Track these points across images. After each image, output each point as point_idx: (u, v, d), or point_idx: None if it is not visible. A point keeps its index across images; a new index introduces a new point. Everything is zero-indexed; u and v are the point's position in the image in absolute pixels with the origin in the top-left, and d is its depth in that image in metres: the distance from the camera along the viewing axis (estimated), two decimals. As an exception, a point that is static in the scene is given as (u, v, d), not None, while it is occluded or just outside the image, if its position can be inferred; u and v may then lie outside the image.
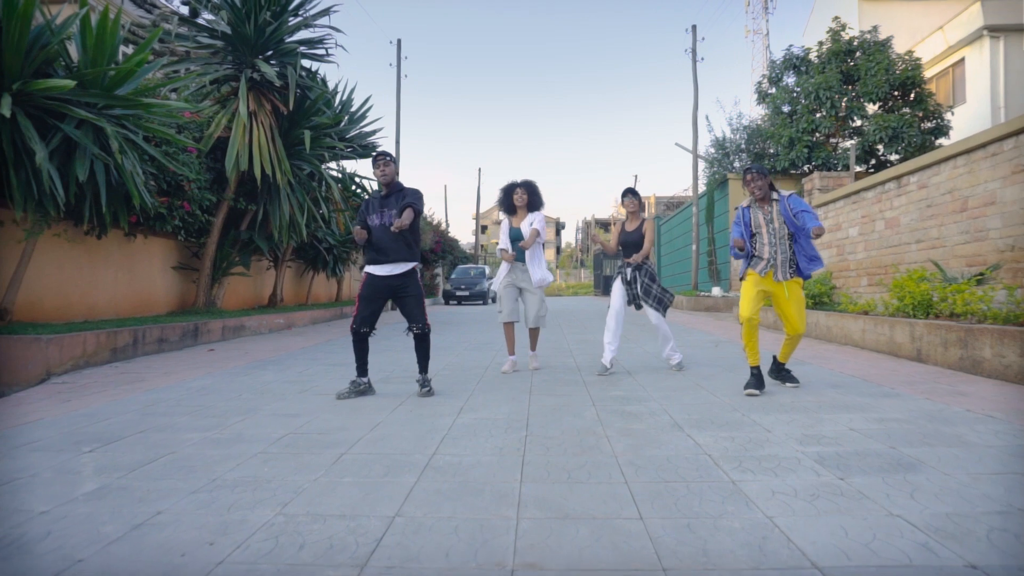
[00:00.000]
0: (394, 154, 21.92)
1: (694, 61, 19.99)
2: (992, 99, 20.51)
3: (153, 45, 7.56)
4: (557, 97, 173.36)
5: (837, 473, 2.82)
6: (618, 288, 6.07)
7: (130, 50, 11.18)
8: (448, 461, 3.12)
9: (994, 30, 20.47)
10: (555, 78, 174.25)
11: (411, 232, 4.89)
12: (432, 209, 54.05)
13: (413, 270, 4.92)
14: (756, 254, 4.78)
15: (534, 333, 6.35)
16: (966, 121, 19.95)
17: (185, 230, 9.46)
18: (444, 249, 30.05)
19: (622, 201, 6.10)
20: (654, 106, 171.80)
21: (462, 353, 7.87)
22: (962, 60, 22.10)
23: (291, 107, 10.07)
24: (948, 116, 18.29)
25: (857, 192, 10.88)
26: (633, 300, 6.01)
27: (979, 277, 6.64)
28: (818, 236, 4.46)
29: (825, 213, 12.22)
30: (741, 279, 4.90)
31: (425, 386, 4.90)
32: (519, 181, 6.23)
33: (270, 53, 10.28)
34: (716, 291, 17.71)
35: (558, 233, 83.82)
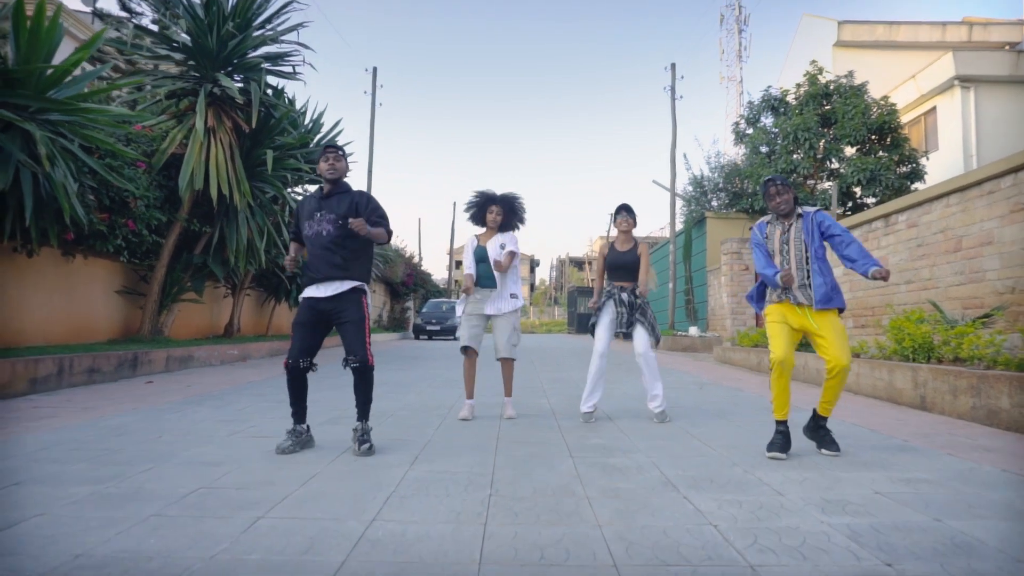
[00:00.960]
0: (367, 186, 21.38)
1: (672, 99, 19.90)
2: (964, 147, 20.70)
3: (115, 60, 6.93)
4: (533, 134, 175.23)
5: (881, 556, 2.23)
6: (605, 322, 5.41)
7: (93, 67, 10.53)
8: (390, 531, 2.47)
9: (965, 80, 20.77)
10: (531, 116, 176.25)
11: (353, 245, 4.09)
12: (404, 241, 53.22)
13: (353, 291, 4.09)
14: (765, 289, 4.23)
15: (507, 369, 5.58)
16: (938, 168, 20.03)
17: (129, 251, 8.72)
18: (416, 282, 29.36)
19: (615, 219, 5.50)
20: (632, 145, 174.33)
21: (424, 391, 7.21)
22: (934, 109, 22.38)
23: (253, 125, 9.46)
24: (924, 161, 18.32)
25: (842, 231, 10.53)
26: (623, 325, 5.29)
27: (983, 319, 6.20)
28: (880, 278, 3.91)
29: (807, 252, 11.89)
30: (760, 312, 4.30)
31: (364, 441, 3.92)
32: (497, 196, 5.52)
33: (233, 68, 9.72)
34: (693, 331, 17.27)
35: (532, 270, 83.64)
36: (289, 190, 12.00)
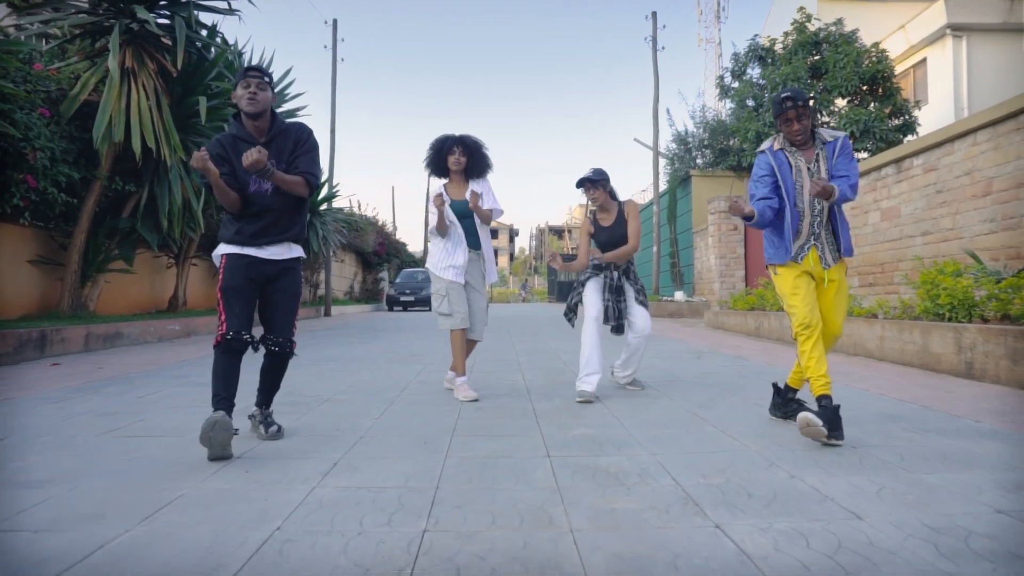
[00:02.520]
0: (330, 150, 19.98)
1: (654, 49, 18.71)
2: (956, 100, 19.87)
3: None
4: (507, 96, 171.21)
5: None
6: (593, 288, 4.48)
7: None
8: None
9: (957, 29, 19.87)
10: (504, 75, 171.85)
11: (299, 204, 3.20)
12: (376, 210, 51.58)
13: (296, 260, 3.24)
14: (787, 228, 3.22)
15: (471, 348, 4.71)
16: (928, 123, 19.17)
17: (33, 213, 7.51)
18: (389, 251, 28.14)
19: (587, 194, 4.51)
20: (611, 103, 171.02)
21: (380, 367, 6.16)
22: (924, 60, 21.47)
23: (179, 66, 8.20)
24: (916, 112, 17.44)
25: (845, 181, 9.57)
26: (615, 317, 4.43)
27: (1032, 270, 5.28)
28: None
29: (805, 207, 10.93)
30: (772, 267, 3.31)
31: (271, 423, 3.24)
32: (456, 136, 4.49)
33: (155, 1, 8.41)
34: (679, 295, 16.37)
35: (512, 240, 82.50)
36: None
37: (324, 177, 16.47)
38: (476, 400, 4.21)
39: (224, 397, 2.87)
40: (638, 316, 4.44)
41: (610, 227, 4.48)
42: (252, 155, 2.79)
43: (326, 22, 19.63)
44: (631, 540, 1.88)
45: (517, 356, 7.13)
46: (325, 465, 2.70)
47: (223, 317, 2.96)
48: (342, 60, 19.78)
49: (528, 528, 1.99)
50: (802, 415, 2.86)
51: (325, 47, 19.66)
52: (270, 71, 3.10)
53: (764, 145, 3.33)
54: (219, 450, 2.72)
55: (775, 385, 3.56)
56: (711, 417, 3.63)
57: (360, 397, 4.45)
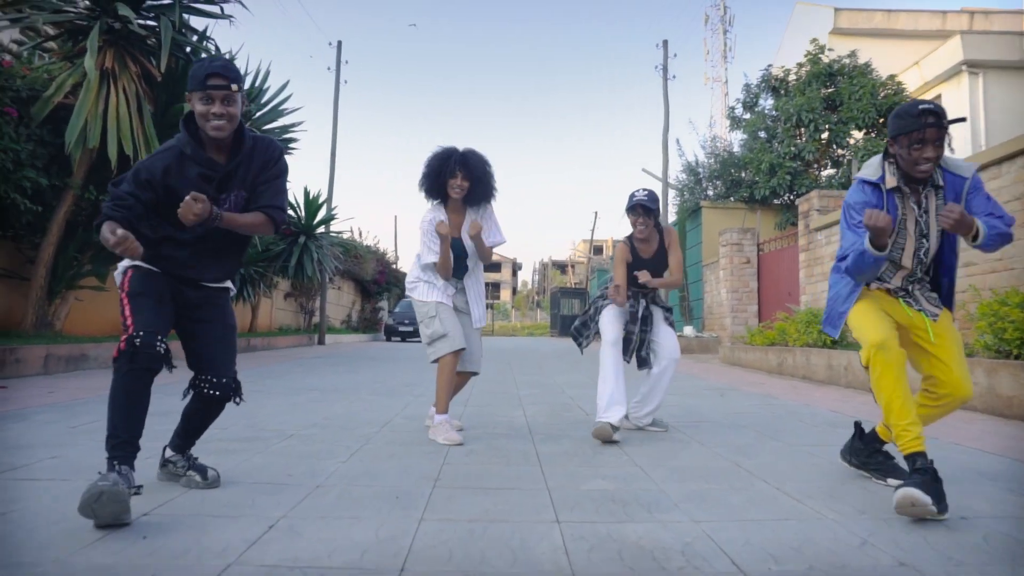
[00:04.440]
0: (329, 175, 19.36)
1: (665, 78, 18.31)
2: (973, 136, 19.42)
3: None
4: (511, 126, 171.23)
5: None
6: (613, 316, 3.80)
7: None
8: None
9: (973, 65, 19.52)
10: (509, 105, 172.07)
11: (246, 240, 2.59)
12: (378, 238, 51.18)
13: (225, 290, 2.59)
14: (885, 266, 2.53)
15: (463, 383, 4.00)
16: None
17: (-7, 221, 6.90)
18: (389, 281, 27.50)
19: (629, 215, 3.82)
20: (619, 135, 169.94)
21: (361, 399, 5.45)
22: (939, 96, 21.10)
23: (163, 69, 7.67)
24: (935, 147, 16.93)
25: (873, 209, 8.94)
26: (644, 348, 3.82)
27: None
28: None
29: (828, 238, 10.28)
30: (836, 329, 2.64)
31: (203, 468, 2.51)
32: (459, 154, 3.68)
33: (143, 1, 7.92)
34: (689, 330, 15.66)
35: (514, 274, 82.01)
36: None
37: (323, 198, 15.93)
38: (460, 444, 3.44)
39: (125, 440, 2.13)
40: (666, 338, 3.80)
41: (650, 259, 3.86)
42: (190, 208, 2.14)
43: (330, 44, 19.33)
44: None
45: (518, 390, 6.42)
46: (257, 529, 2.00)
47: (129, 320, 2.23)
48: (345, 82, 19.44)
49: (531, 650, 1.29)
50: (904, 492, 2.06)
51: (328, 69, 19.34)
52: (237, 69, 2.37)
53: (869, 174, 2.51)
54: (110, 520, 1.96)
55: (858, 426, 2.80)
56: (757, 468, 2.92)
57: (330, 433, 3.75)
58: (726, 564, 1.75)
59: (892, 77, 16.97)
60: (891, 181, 2.47)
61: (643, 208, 3.73)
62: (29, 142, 7.07)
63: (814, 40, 17.86)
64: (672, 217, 19.50)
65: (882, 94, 16.27)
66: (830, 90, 16.65)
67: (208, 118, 2.26)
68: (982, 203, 2.42)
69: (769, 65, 17.52)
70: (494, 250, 3.86)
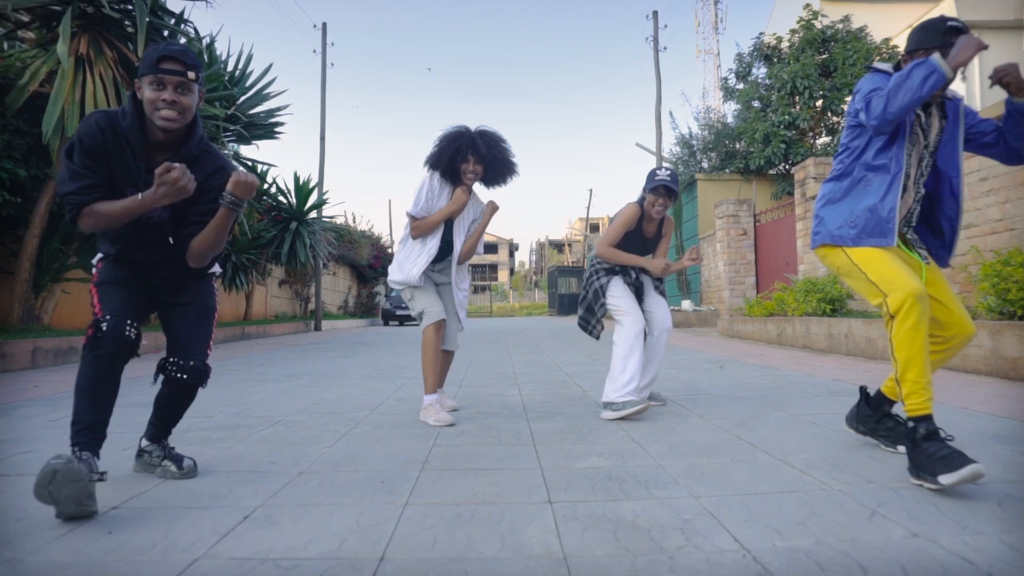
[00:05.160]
0: (320, 160, 18.97)
1: (656, 50, 18.03)
2: (968, 98, 19.22)
3: None
4: (504, 105, 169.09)
5: None
6: (627, 293, 3.65)
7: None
8: None
9: (968, 26, 19.27)
10: (501, 84, 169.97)
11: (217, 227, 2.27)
12: (371, 222, 50.60)
13: (209, 274, 2.44)
14: (879, 201, 2.30)
15: (449, 361, 3.88)
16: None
17: (-29, 214, 6.74)
18: (384, 265, 27.33)
19: (648, 191, 3.60)
20: (612, 109, 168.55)
21: (353, 384, 5.34)
22: (933, 59, 20.85)
23: (140, 54, 7.45)
24: (931, 112, 16.74)
25: (871, 174, 8.79)
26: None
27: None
28: None
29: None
30: (836, 244, 2.41)
31: (179, 458, 2.38)
32: (472, 136, 3.45)
33: (115, -18, 7.69)
34: (687, 304, 15.56)
35: (512, 254, 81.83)
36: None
37: (313, 183, 15.72)
38: (452, 425, 3.33)
39: (87, 426, 2.00)
40: (658, 307, 3.71)
41: (651, 238, 3.77)
42: (173, 176, 1.93)
43: (315, 26, 18.99)
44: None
45: (514, 369, 6.31)
46: (231, 519, 1.89)
47: (97, 308, 2.12)
48: (331, 64, 19.15)
49: (516, 643, 1.18)
50: (971, 468, 1.89)
51: (314, 51, 19.01)
52: (196, 55, 2.16)
53: (886, 67, 2.35)
54: (71, 507, 1.84)
55: (864, 390, 2.68)
56: (759, 440, 2.82)
57: (318, 419, 3.63)
58: (727, 540, 1.65)
59: (887, 41, 16.72)
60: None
61: (666, 189, 3.55)
62: (5, 133, 6.90)
63: (807, 6, 17.58)
64: (667, 191, 19.33)
65: (876, 59, 16.04)
66: (824, 56, 16.42)
67: (157, 106, 2.04)
68: (978, 116, 2.36)
69: (761, 33, 17.25)
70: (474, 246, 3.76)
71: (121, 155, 2.11)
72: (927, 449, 2.04)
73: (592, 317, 3.74)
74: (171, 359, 2.28)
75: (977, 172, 6.77)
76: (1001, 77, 2.12)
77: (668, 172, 3.60)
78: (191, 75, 2.08)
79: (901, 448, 2.41)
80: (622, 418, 3.34)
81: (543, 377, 5.51)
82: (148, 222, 2.19)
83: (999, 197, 6.45)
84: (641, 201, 3.68)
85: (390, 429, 3.29)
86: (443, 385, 3.87)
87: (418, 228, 3.50)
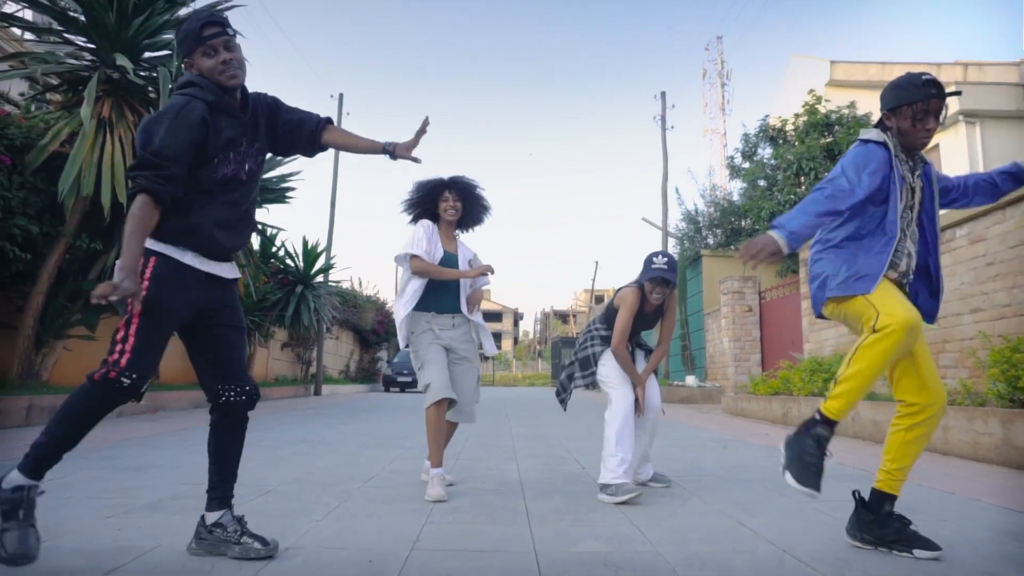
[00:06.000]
0: (329, 230, 19.28)
1: (663, 128, 18.50)
2: (971, 161, 19.56)
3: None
4: (511, 178, 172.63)
5: None
6: (620, 372, 3.57)
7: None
8: None
9: (971, 115, 19.75)
10: (513, 157, 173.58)
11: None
12: (376, 287, 50.93)
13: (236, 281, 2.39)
14: (881, 251, 2.32)
15: (452, 432, 3.77)
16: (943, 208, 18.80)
17: (-20, 269, 6.80)
18: (388, 331, 27.32)
19: (645, 280, 3.58)
20: (618, 184, 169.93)
21: (349, 452, 5.23)
22: (937, 146, 21.30)
23: (160, 118, 7.68)
24: (934, 196, 16.97)
25: (875, 255, 8.83)
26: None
27: None
28: None
29: (829, 285, 10.14)
30: (835, 298, 2.37)
31: (260, 537, 2.22)
32: (446, 179, 3.63)
33: (140, 52, 8.00)
34: (691, 380, 15.40)
35: (516, 323, 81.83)
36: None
37: (321, 247, 15.89)
38: (443, 501, 3.21)
39: (54, 457, 1.98)
40: (649, 388, 3.65)
41: (651, 313, 3.71)
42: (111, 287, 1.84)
43: (332, 96, 19.69)
44: None
45: (513, 442, 6.19)
46: (207, 599, 1.80)
47: (129, 348, 1.96)
48: (348, 135, 19.54)
49: None
50: (811, 492, 2.09)
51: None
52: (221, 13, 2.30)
53: (872, 136, 2.39)
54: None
55: (857, 495, 2.46)
56: (761, 527, 2.72)
57: (310, 489, 3.53)
58: (728, 643, 1.55)
59: (890, 128, 17.12)
60: (883, 140, 2.38)
61: (664, 281, 3.54)
62: (22, 190, 7.03)
63: (811, 91, 18.09)
64: (673, 266, 19.45)
65: (879, 144, 16.38)
66: (828, 140, 16.78)
67: (219, 69, 2.12)
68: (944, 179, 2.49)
69: (766, 115, 17.70)
70: (482, 294, 3.76)
71: (217, 125, 2.14)
72: (805, 446, 2.19)
73: (570, 384, 3.72)
74: (229, 387, 2.23)
75: (983, 257, 6.79)
76: None
77: (665, 260, 3.55)
78: (231, 31, 2.16)
79: (920, 553, 2.26)
80: (619, 501, 3.23)
81: (542, 452, 5.39)
82: (239, 183, 2.22)
83: (1007, 282, 6.43)
84: (640, 284, 3.64)
85: (382, 503, 3.19)
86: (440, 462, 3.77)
87: (420, 266, 3.50)
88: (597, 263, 75.43)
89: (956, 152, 20.19)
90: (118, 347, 1.98)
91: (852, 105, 17.43)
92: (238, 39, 2.22)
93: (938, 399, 2.31)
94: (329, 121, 2.48)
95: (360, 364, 26.53)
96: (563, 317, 69.30)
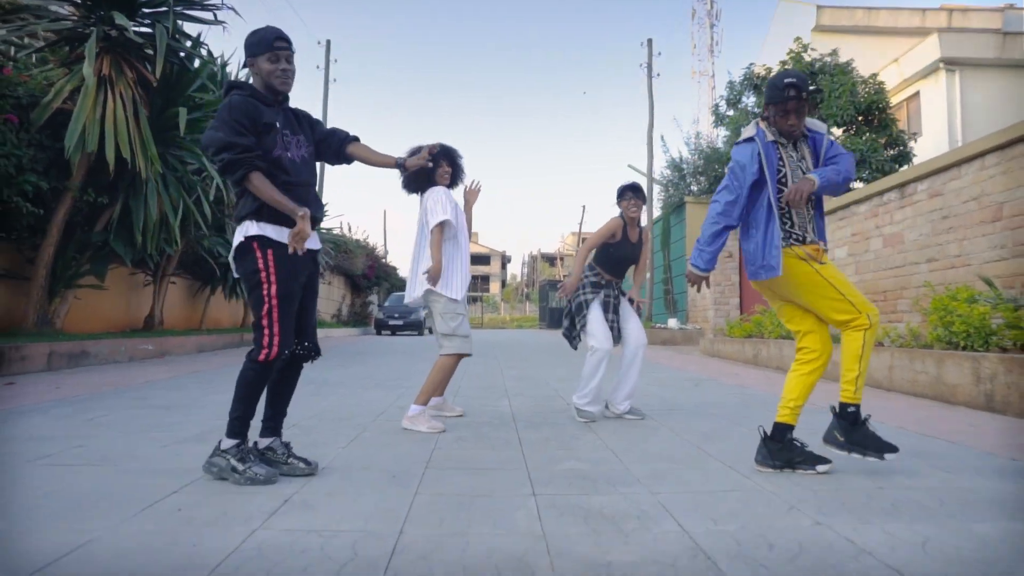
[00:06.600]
0: (321, 176, 19.51)
1: (649, 76, 18.63)
2: (949, 133, 19.89)
3: None
4: (499, 122, 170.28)
5: None
6: (601, 316, 4.22)
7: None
8: None
9: (950, 63, 19.98)
10: (497, 102, 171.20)
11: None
12: (366, 232, 51.11)
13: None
14: (782, 222, 2.89)
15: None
16: (921, 154, 19.17)
17: (-2, 223, 7.13)
18: (379, 275, 27.75)
19: (619, 201, 4.36)
20: (604, 130, 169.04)
21: (354, 392, 5.77)
22: (917, 94, 21.57)
23: (158, 75, 7.90)
24: (912, 143, 17.39)
25: (845, 207, 9.33)
26: (614, 334, 4.23)
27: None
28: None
29: (802, 233, 10.66)
30: (765, 266, 2.89)
31: (303, 459, 2.78)
32: (440, 149, 4.02)
33: (136, 8, 8.14)
34: (673, 323, 16.05)
35: (504, 267, 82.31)
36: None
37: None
38: (443, 431, 3.77)
39: (245, 420, 2.63)
40: (633, 324, 4.29)
41: (635, 245, 4.36)
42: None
43: (319, 43, 19.55)
44: (633, 606, 1.51)
45: (504, 382, 6.75)
46: (274, 502, 2.32)
47: (276, 332, 2.58)
48: (334, 80, 19.67)
49: (506, 587, 1.62)
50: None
51: (317, 67, 19.54)
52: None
53: (751, 132, 2.93)
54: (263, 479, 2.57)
55: (762, 431, 2.99)
56: (717, 451, 3.27)
57: (329, 424, 4.06)
58: (672, 525, 2.09)
59: (873, 76, 17.36)
60: (770, 136, 2.90)
61: (632, 190, 4.28)
62: (30, 147, 7.30)
63: (797, 39, 18.21)
64: (657, 212, 19.87)
65: (862, 92, 16.65)
66: (811, 88, 17.03)
67: (276, 74, 2.62)
68: (832, 148, 2.95)
69: (751, 64, 17.87)
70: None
71: (271, 117, 2.64)
72: (865, 432, 2.73)
73: (574, 329, 4.31)
74: (300, 342, 2.80)
75: (940, 211, 7.29)
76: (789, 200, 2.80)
77: (633, 182, 4.34)
78: (293, 48, 2.71)
79: (821, 468, 2.78)
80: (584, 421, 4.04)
81: (531, 391, 5.95)
82: (306, 164, 2.74)
83: (958, 235, 6.96)
84: (621, 215, 4.31)
85: (395, 435, 3.72)
86: (443, 393, 4.31)
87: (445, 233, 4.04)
88: (584, 207, 75.54)
89: (936, 99, 20.50)
90: (266, 336, 2.57)
91: (834, 52, 17.60)
92: None
93: (870, 313, 2.78)
94: (356, 138, 2.96)
95: (352, 308, 27.04)
96: (551, 260, 69.77)
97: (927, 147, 19.56)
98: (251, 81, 2.72)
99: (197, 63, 9.06)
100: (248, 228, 2.59)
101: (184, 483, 2.56)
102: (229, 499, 2.35)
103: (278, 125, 2.65)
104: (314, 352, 2.87)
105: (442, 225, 3.98)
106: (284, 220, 2.60)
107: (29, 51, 8.22)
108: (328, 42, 19.38)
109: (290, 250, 2.53)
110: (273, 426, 2.82)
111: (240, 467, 2.54)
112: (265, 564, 1.75)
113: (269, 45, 2.60)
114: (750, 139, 2.91)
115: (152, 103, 8.58)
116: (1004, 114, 18.82)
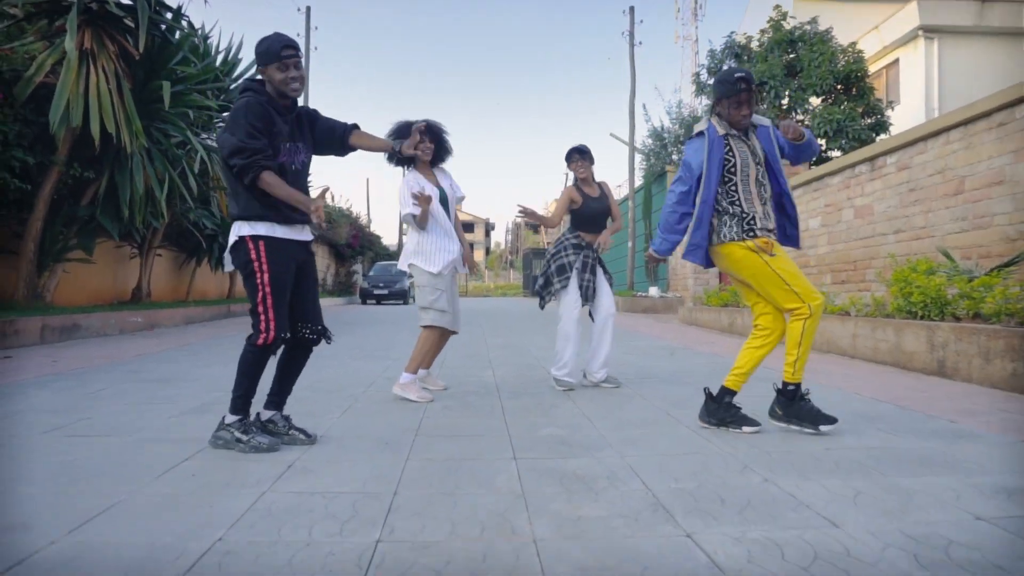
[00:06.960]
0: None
1: (631, 44, 18.65)
2: (927, 100, 20.12)
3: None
4: (482, 90, 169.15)
5: None
6: (575, 285, 4.44)
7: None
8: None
9: (929, 31, 20.10)
10: (480, 69, 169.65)
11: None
12: (350, 200, 50.84)
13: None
14: (734, 212, 3.13)
15: (445, 341, 4.57)
16: (900, 122, 19.42)
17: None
18: (363, 244, 27.80)
19: (568, 164, 4.66)
20: (587, 99, 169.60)
21: (343, 363, 6.00)
22: (896, 61, 21.72)
23: (141, 48, 7.91)
24: (888, 112, 17.63)
25: (819, 178, 9.60)
26: (587, 293, 4.46)
27: (1006, 268, 5.27)
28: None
29: (779, 204, 10.93)
30: (722, 246, 3.20)
31: (302, 430, 3.00)
32: (419, 122, 4.21)
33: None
34: (653, 291, 16.37)
35: (488, 234, 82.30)
36: (201, 138, 10.38)
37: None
38: (432, 401, 4.02)
39: (247, 397, 2.86)
40: (604, 297, 4.54)
41: (598, 199, 4.58)
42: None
43: (299, 9, 19.30)
44: (597, 551, 1.77)
45: (488, 351, 7.00)
46: (279, 468, 2.55)
47: (272, 317, 2.78)
48: (315, 48, 19.45)
49: (489, 537, 1.87)
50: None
51: (298, 35, 19.31)
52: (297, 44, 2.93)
53: (703, 127, 3.20)
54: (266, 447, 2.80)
55: (707, 391, 3.30)
56: (685, 417, 3.54)
57: (322, 395, 4.29)
58: (638, 484, 2.35)
59: (852, 45, 17.50)
60: (722, 129, 3.16)
61: (578, 152, 4.56)
62: (15, 123, 7.33)
63: (777, 7, 18.27)
64: (639, 181, 20.05)
65: (841, 61, 16.80)
66: (791, 56, 17.15)
67: (287, 82, 2.78)
68: (781, 137, 3.22)
69: (732, 32, 17.93)
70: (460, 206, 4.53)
71: (273, 122, 2.79)
72: (803, 406, 3.04)
73: (549, 287, 4.53)
74: (307, 325, 3.00)
75: (907, 183, 7.57)
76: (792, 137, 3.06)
77: (579, 144, 4.62)
78: (300, 53, 2.84)
79: (747, 428, 3.12)
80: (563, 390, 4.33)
81: (514, 360, 6.20)
82: (290, 167, 2.87)
83: (924, 207, 7.25)
84: (575, 181, 4.65)
85: (384, 404, 3.96)
86: (430, 367, 4.54)
87: (424, 217, 4.16)
88: (567, 175, 75.43)
89: (915, 66, 20.67)
90: (262, 321, 2.78)
91: (814, 21, 17.70)
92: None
93: (814, 299, 3.06)
94: (355, 126, 3.12)
95: (336, 278, 27.14)
96: (534, 227, 69.87)
97: (907, 114, 19.81)
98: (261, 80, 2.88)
99: (178, 35, 9.04)
100: (240, 228, 2.80)
101: (193, 451, 2.79)
102: (237, 465, 2.58)
103: (286, 134, 2.83)
104: (324, 335, 3.06)
105: (411, 216, 4.17)
106: (273, 219, 2.79)
107: (9, 24, 8.16)
108: (308, 8, 19.18)
109: (314, 220, 2.78)
110: (277, 401, 3.05)
111: (244, 437, 2.77)
112: (276, 522, 1.98)
113: (277, 55, 2.74)
114: (701, 134, 3.17)
115: (135, 76, 8.59)
116: (981, 81, 19.08)
